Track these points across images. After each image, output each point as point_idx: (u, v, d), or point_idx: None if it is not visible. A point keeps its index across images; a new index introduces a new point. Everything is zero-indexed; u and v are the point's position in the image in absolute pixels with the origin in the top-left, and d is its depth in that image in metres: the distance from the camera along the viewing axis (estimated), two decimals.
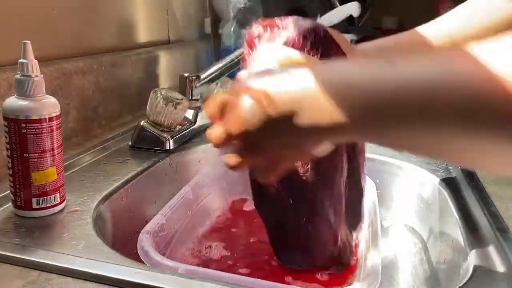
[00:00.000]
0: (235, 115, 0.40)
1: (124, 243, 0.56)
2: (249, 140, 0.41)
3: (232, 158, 0.43)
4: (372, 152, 0.76)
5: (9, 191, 0.51)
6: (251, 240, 0.62)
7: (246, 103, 0.39)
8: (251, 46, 0.50)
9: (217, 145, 0.43)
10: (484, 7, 0.55)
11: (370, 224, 0.55)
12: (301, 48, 0.47)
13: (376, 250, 0.48)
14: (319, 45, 0.47)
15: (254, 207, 0.55)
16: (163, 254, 0.51)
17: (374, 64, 0.34)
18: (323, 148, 0.43)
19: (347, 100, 0.34)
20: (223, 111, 0.42)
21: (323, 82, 0.35)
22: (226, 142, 0.42)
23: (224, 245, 0.61)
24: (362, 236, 0.58)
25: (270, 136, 0.39)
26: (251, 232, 0.64)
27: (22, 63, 0.48)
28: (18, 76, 0.48)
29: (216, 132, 0.42)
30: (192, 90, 0.80)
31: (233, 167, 0.43)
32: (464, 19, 0.56)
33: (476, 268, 0.45)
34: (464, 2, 0.58)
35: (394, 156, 0.74)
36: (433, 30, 0.56)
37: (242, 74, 0.44)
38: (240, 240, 0.62)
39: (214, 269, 0.44)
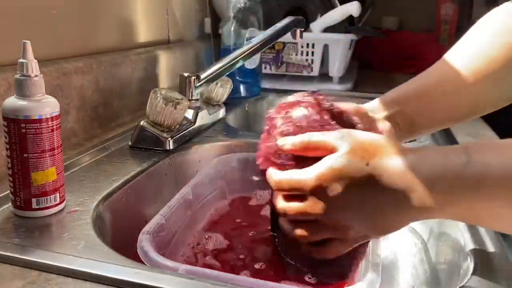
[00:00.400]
0: (319, 203, 0.42)
1: (124, 243, 0.55)
2: (325, 220, 0.43)
3: (301, 231, 0.45)
4: None
5: (8, 191, 0.51)
6: (251, 240, 0.62)
7: (333, 192, 0.41)
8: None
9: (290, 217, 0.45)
10: (497, 29, 0.54)
11: None
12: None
13: (376, 250, 0.48)
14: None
15: (254, 207, 0.55)
16: (163, 254, 0.51)
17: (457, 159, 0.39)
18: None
19: (440, 189, 0.39)
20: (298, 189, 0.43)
21: (416, 172, 0.39)
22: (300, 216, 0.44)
23: (224, 245, 0.61)
24: None
25: (353, 218, 0.42)
26: (251, 232, 0.63)
27: (22, 63, 0.48)
28: (17, 76, 0.48)
29: (294, 208, 0.44)
30: (192, 90, 0.80)
31: (299, 237, 0.45)
32: (479, 46, 0.54)
33: (476, 268, 0.45)
34: (476, 26, 0.56)
35: None
36: (446, 66, 0.55)
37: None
38: (240, 240, 0.62)
39: (214, 269, 0.44)
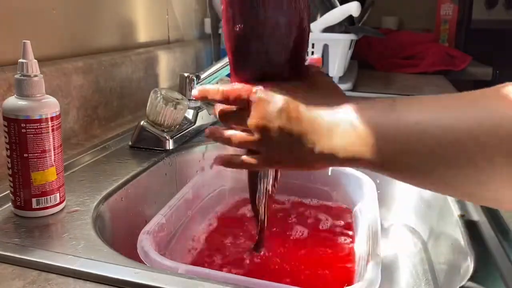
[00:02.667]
0: (263, 108, 0.42)
1: (124, 243, 0.55)
2: (266, 137, 0.43)
3: (237, 157, 0.47)
4: None
5: (9, 191, 0.51)
6: (253, 239, 0.62)
7: (277, 103, 0.42)
8: None
9: (235, 144, 0.47)
10: None
11: (370, 224, 0.55)
12: None
13: (376, 250, 0.48)
14: None
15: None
16: (163, 254, 0.51)
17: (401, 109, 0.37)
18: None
19: (377, 142, 0.37)
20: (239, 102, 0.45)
21: (356, 122, 0.38)
22: (244, 139, 0.46)
23: (224, 245, 0.61)
24: (362, 236, 0.58)
25: (287, 143, 0.42)
26: (253, 231, 0.64)
27: (22, 63, 0.48)
28: (18, 76, 0.48)
29: (237, 133, 0.46)
30: (192, 90, 0.80)
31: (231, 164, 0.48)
32: None
33: (476, 268, 0.45)
34: None
35: None
36: None
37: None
38: (241, 239, 0.62)
39: (214, 269, 0.44)
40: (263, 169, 0.51)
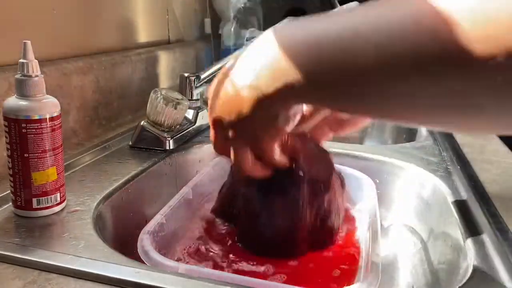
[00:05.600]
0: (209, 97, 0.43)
1: (124, 243, 0.56)
2: (220, 125, 0.42)
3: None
4: (372, 152, 0.76)
5: (9, 191, 0.51)
6: None
7: (213, 84, 0.43)
8: None
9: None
10: None
11: (370, 224, 0.55)
12: None
13: (376, 250, 0.48)
14: None
15: None
16: (163, 254, 0.51)
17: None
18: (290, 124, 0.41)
19: (300, 59, 0.36)
20: None
21: (275, 47, 0.38)
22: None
23: (224, 244, 0.61)
24: (362, 236, 0.58)
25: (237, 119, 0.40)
26: None
27: (22, 63, 0.48)
28: (18, 76, 0.48)
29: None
30: (192, 90, 0.80)
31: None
32: None
33: (476, 268, 0.45)
34: None
35: (394, 156, 0.74)
36: None
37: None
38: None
39: (215, 269, 0.44)
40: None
